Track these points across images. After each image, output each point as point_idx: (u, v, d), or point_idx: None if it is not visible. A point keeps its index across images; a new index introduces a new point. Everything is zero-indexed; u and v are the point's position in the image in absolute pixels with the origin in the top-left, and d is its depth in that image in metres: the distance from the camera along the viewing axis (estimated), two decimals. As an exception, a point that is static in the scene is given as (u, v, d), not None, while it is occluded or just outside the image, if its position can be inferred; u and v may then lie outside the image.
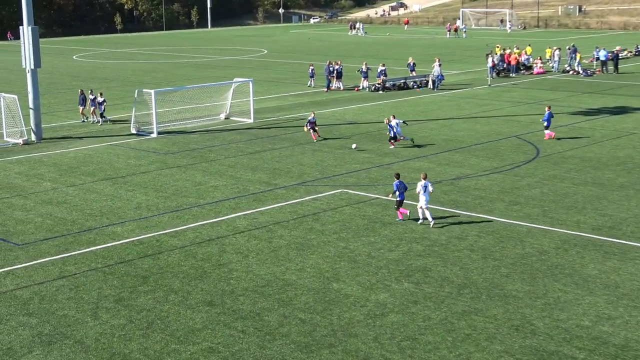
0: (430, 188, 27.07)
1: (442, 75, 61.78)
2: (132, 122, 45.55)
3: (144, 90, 45.98)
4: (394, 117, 39.72)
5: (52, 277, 23.00)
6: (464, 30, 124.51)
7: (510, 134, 42.70)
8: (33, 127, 43.59)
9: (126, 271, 23.38)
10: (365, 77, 61.58)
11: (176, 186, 33.00)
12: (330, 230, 26.81)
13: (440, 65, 62.02)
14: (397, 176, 27.87)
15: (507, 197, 30.53)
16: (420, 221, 27.27)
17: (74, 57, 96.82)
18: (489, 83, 63.70)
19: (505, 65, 70.08)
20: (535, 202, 29.93)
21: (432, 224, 26.96)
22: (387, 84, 61.12)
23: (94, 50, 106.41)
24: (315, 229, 26.98)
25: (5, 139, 43.25)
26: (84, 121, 48.49)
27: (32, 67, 43.61)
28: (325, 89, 61.17)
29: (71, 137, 44.15)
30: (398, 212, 27.70)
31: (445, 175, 34.09)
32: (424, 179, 27.20)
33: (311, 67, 64.85)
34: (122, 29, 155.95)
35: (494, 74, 67.17)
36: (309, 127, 41.49)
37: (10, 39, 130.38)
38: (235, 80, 52.42)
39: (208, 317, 20.04)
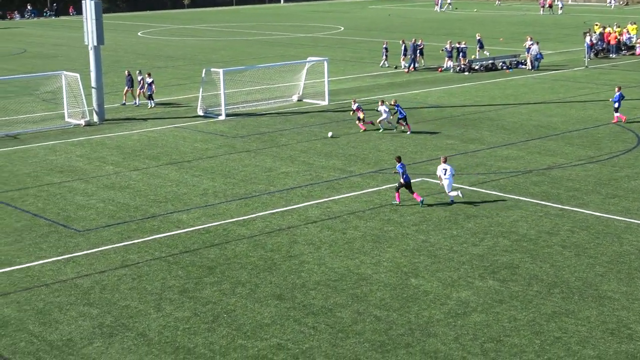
0: (449, 172, 28.12)
1: (540, 54, 61.33)
2: (199, 103, 46.14)
3: (212, 69, 46.50)
4: (382, 103, 39.97)
5: (114, 265, 23.57)
6: (560, 6, 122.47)
7: (609, 120, 42.00)
8: (95, 107, 44.48)
9: (191, 261, 23.80)
10: (450, 56, 61.26)
11: (245, 172, 33.39)
12: (409, 222, 26.84)
13: (537, 43, 61.62)
14: (399, 159, 28.67)
15: (604, 190, 30.12)
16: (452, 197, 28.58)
17: (139, 33, 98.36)
18: (586, 64, 62.71)
19: (604, 45, 68.85)
20: (635, 195, 29.46)
21: (457, 194, 28.43)
22: (474, 65, 60.64)
23: (159, 27, 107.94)
24: (392, 221, 27.04)
25: (66, 119, 44.26)
26: (124, 104, 48.84)
27: (95, 43, 44.41)
28: (407, 70, 60.99)
29: (135, 119, 44.97)
30: (397, 194, 28.53)
31: (536, 164, 33.77)
32: (444, 162, 28.25)
33: (384, 45, 64.60)
34: (189, 4, 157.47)
35: (592, 55, 66.07)
36: (359, 118, 40.53)
37: (73, 14, 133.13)
38: (309, 59, 52.64)
39: (277, 312, 20.30)
